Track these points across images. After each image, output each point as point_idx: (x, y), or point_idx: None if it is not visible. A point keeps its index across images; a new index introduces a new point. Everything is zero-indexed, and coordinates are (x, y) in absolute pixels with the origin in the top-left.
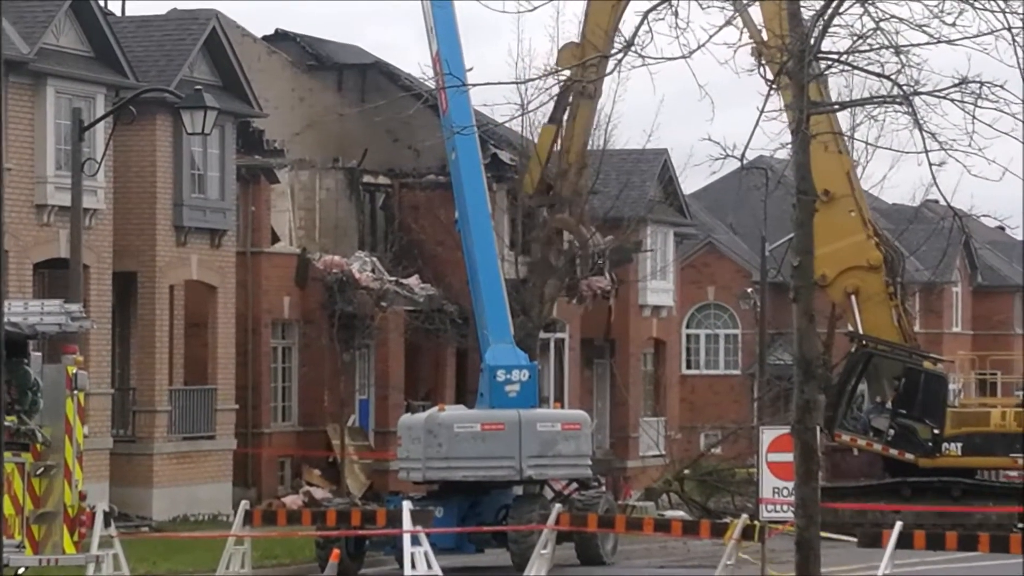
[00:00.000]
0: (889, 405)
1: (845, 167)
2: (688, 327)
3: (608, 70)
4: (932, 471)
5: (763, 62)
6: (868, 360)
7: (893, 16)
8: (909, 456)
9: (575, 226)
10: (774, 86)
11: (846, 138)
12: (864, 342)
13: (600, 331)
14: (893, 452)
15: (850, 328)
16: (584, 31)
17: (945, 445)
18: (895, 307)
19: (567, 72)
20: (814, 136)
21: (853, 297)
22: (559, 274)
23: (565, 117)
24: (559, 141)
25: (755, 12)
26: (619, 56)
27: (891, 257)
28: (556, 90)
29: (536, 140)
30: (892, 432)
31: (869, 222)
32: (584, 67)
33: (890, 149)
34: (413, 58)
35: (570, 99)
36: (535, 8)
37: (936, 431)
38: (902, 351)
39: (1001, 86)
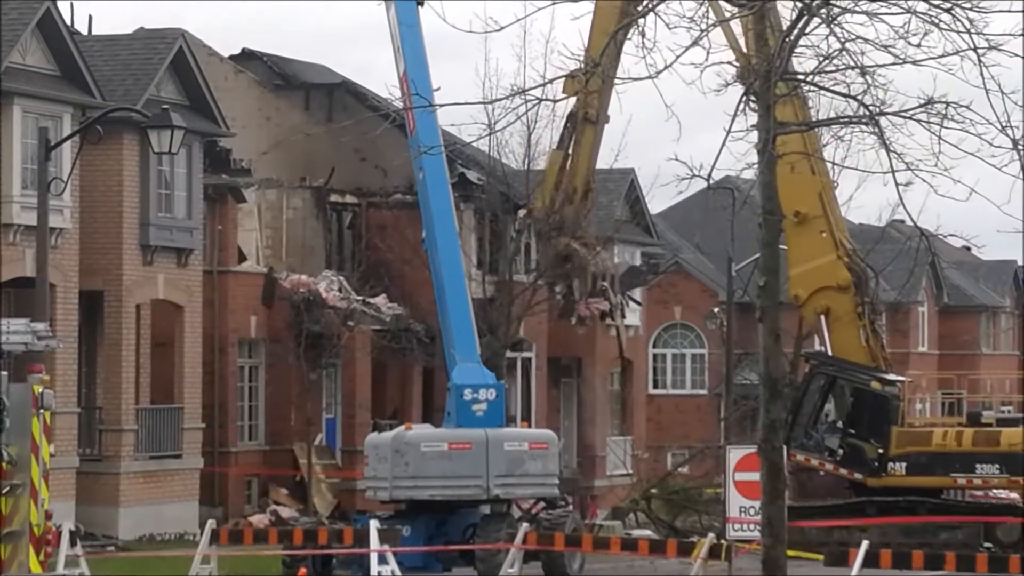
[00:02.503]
0: (840, 425)
1: (817, 188)
2: (655, 347)
3: (575, 90)
4: (879, 491)
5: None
6: (834, 381)
7: (859, 37)
8: (858, 475)
9: (579, 249)
10: (753, 106)
11: (816, 158)
12: (815, 362)
13: (573, 351)
14: (843, 471)
15: (817, 348)
16: (586, 57)
17: (890, 465)
18: (863, 327)
19: (536, 92)
20: (780, 156)
21: (823, 317)
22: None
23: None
24: (567, 166)
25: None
26: (586, 76)
27: (861, 277)
28: (523, 110)
29: (538, 163)
30: (842, 451)
31: (841, 243)
32: (587, 91)
33: (856, 169)
34: (392, 80)
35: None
36: (502, 29)
37: (881, 451)
38: (853, 371)
39: (967, 107)
